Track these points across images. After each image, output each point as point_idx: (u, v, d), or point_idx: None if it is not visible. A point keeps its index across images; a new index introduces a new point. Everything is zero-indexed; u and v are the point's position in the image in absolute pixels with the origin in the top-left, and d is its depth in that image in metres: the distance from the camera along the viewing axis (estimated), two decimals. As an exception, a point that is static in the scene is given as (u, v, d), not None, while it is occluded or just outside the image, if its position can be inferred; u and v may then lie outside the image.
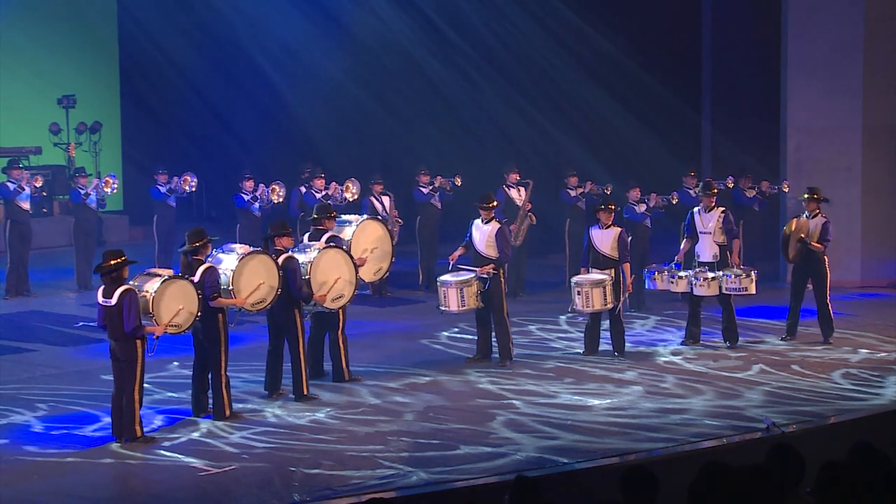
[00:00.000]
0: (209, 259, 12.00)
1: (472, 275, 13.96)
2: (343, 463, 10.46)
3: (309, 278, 12.62)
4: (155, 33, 24.37)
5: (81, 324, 15.77)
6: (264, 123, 24.29)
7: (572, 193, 18.44)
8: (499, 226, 14.14)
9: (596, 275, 14.25)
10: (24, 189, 18.31)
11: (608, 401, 12.46)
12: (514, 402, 12.40)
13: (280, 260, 12.37)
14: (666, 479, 6.79)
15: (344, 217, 14.15)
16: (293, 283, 12.34)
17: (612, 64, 22.24)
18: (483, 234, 14.11)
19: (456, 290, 13.86)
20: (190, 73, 24.60)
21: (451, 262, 14.19)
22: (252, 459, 10.57)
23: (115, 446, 10.95)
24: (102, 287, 11.11)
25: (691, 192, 17.93)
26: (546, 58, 22.78)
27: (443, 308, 14.05)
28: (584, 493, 9.91)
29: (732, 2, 21.53)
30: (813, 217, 15.17)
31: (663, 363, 14.09)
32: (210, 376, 11.84)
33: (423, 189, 18.94)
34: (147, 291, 11.25)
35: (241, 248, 12.51)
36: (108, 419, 11.55)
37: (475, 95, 23.50)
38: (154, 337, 11.22)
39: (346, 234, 13.63)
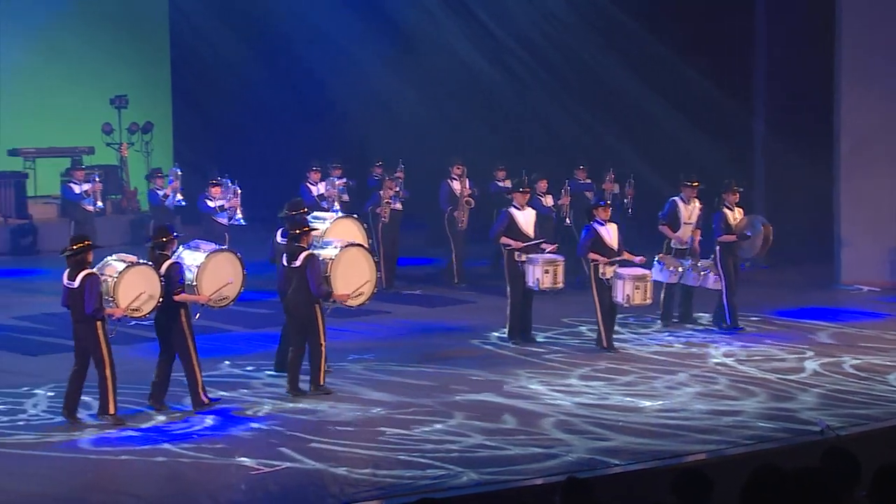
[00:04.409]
0: (175, 254, 12.32)
1: (560, 256, 14.81)
2: (393, 463, 10.46)
3: (329, 276, 12.67)
4: (206, 34, 24.54)
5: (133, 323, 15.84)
6: (314, 124, 24.37)
7: (500, 185, 19.55)
8: (534, 210, 15.18)
9: (640, 269, 14.39)
10: (88, 195, 18.50)
11: (660, 402, 12.40)
12: (564, 403, 12.36)
13: (301, 257, 12.45)
14: (719, 482, 6.75)
15: (317, 214, 14.21)
16: (313, 281, 12.42)
17: (663, 64, 22.11)
18: (527, 217, 15.13)
19: (547, 268, 14.57)
20: (241, 72, 24.74)
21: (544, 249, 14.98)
22: (302, 459, 10.59)
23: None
24: (67, 270, 11.59)
25: (582, 182, 19.44)
26: (595, 57, 22.71)
27: (538, 288, 14.62)
28: (635, 494, 9.87)
29: (787, 1, 21.33)
30: (736, 207, 15.66)
31: (715, 364, 14.00)
32: (183, 367, 12.07)
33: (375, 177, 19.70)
34: (110, 276, 11.70)
35: (207, 246, 12.89)
36: (161, 417, 11.70)
37: (523, 94, 23.46)
38: (113, 318, 11.70)
39: (317, 231, 13.51)
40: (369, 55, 24.16)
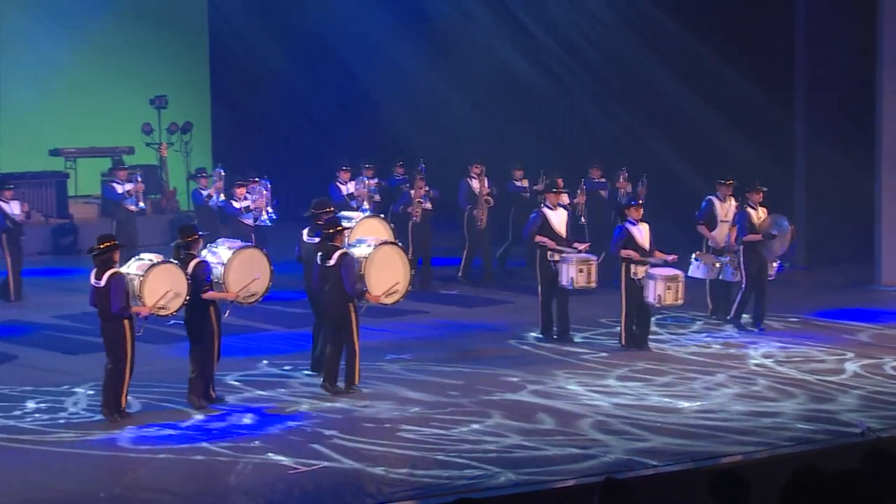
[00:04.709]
0: (201, 254, 12.51)
1: (594, 256, 14.95)
2: (431, 463, 10.49)
3: (363, 274, 12.73)
4: (245, 35, 24.69)
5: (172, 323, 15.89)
6: (353, 124, 24.43)
7: (517, 184, 19.94)
8: (566, 211, 15.38)
9: (671, 270, 14.45)
10: (130, 195, 18.64)
11: (698, 403, 12.36)
12: (602, 403, 12.34)
13: (335, 256, 12.52)
14: (757, 483, 6.72)
15: (344, 213, 14.27)
16: (347, 280, 12.46)
17: (703, 64, 22.01)
18: (559, 217, 15.18)
19: (581, 267, 14.66)
20: (279, 73, 24.86)
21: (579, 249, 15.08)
22: (340, 458, 10.63)
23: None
24: (94, 269, 11.74)
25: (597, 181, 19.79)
26: (635, 57, 22.64)
27: (573, 286, 14.71)
28: (673, 496, 9.85)
29: (827, 0, 21.15)
30: (760, 206, 15.69)
31: (754, 366, 13.92)
32: (200, 361, 12.25)
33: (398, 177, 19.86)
34: (136, 275, 11.84)
35: (232, 243, 13.11)
36: (199, 416, 11.76)
37: (563, 95, 23.41)
38: (140, 317, 11.86)
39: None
40: (407, 55, 24.18)
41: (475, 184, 19.46)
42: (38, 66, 23.97)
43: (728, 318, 15.74)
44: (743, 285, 15.58)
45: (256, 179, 18.27)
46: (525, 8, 23.43)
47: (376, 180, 19.53)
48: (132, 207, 18.74)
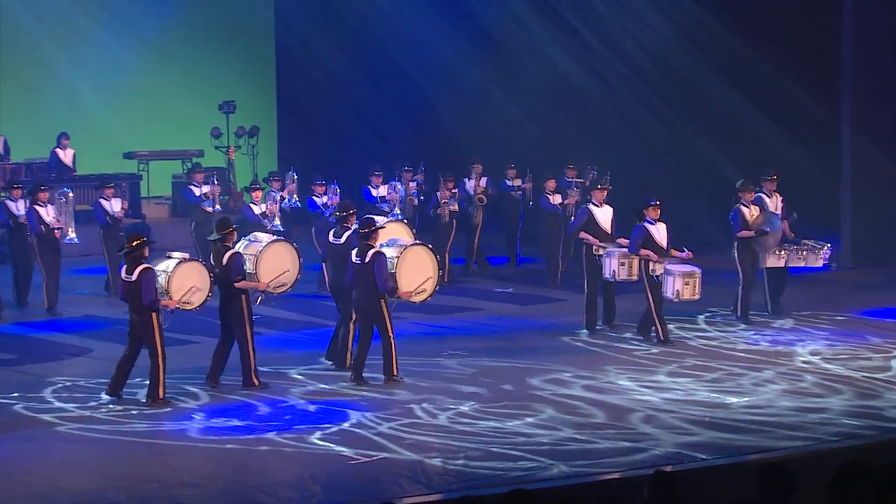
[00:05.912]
0: (236, 246, 13.21)
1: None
2: (486, 454, 10.78)
3: (395, 273, 13.22)
4: (309, 43, 25.14)
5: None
6: (411, 128, 24.75)
7: (509, 183, 20.73)
8: (612, 208, 15.75)
9: (688, 266, 14.82)
10: (208, 198, 19.17)
11: (746, 399, 12.57)
12: (652, 398, 12.60)
13: (369, 255, 13.00)
14: (804, 477, 6.89)
15: (370, 216, 14.70)
16: (380, 277, 12.94)
17: (749, 67, 22.08)
18: (605, 214, 15.70)
19: (622, 261, 15.01)
20: (341, 80, 25.27)
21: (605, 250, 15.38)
22: (398, 450, 10.97)
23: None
24: (125, 265, 12.39)
25: (571, 181, 20.08)
26: (684, 62, 22.74)
27: (615, 279, 15.13)
28: (721, 489, 10.01)
29: (874, 2, 21.11)
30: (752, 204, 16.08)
31: (801, 362, 14.10)
32: (238, 350, 12.93)
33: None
34: (164, 271, 12.58)
35: (264, 237, 13.92)
36: (266, 409, 12.22)
37: (612, 98, 23.57)
38: (168, 310, 12.53)
39: None
40: (464, 62, 24.41)
41: (470, 183, 20.27)
42: (112, 75, 24.66)
43: (736, 316, 16.03)
44: (741, 282, 15.95)
45: (323, 183, 18.50)
46: (577, 14, 23.63)
47: (416, 183, 20.01)
48: (209, 209, 19.22)
